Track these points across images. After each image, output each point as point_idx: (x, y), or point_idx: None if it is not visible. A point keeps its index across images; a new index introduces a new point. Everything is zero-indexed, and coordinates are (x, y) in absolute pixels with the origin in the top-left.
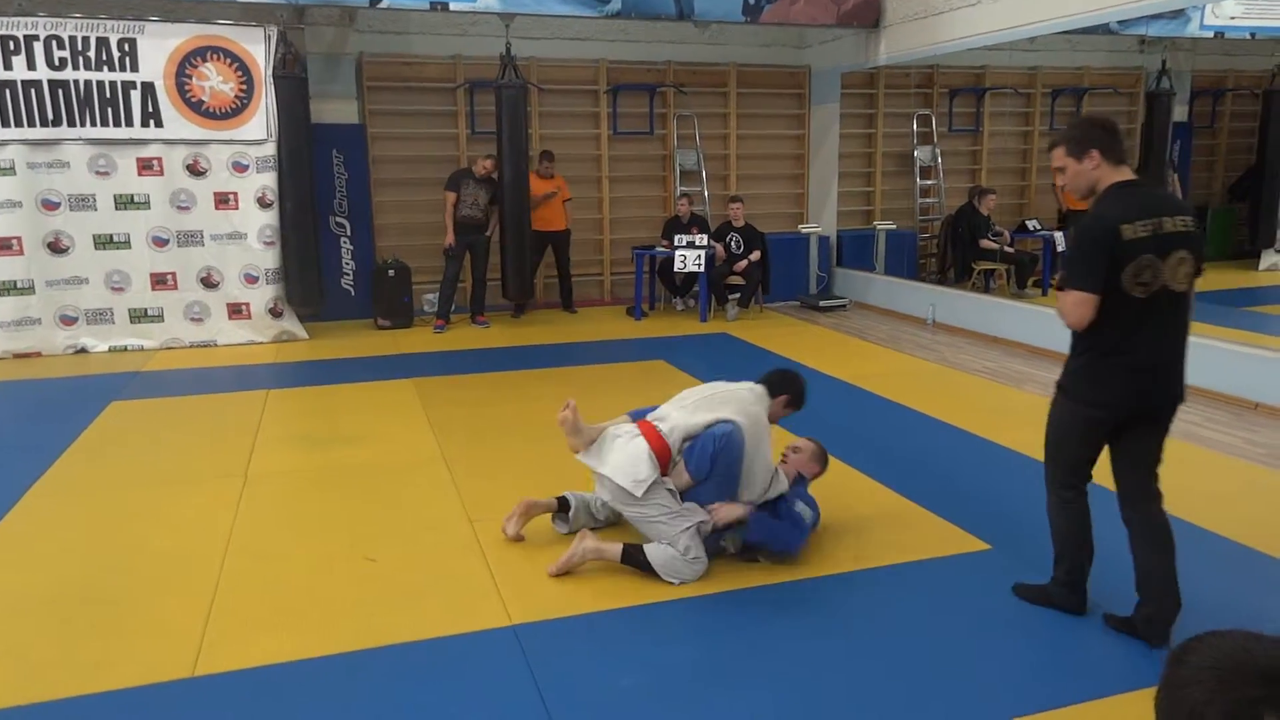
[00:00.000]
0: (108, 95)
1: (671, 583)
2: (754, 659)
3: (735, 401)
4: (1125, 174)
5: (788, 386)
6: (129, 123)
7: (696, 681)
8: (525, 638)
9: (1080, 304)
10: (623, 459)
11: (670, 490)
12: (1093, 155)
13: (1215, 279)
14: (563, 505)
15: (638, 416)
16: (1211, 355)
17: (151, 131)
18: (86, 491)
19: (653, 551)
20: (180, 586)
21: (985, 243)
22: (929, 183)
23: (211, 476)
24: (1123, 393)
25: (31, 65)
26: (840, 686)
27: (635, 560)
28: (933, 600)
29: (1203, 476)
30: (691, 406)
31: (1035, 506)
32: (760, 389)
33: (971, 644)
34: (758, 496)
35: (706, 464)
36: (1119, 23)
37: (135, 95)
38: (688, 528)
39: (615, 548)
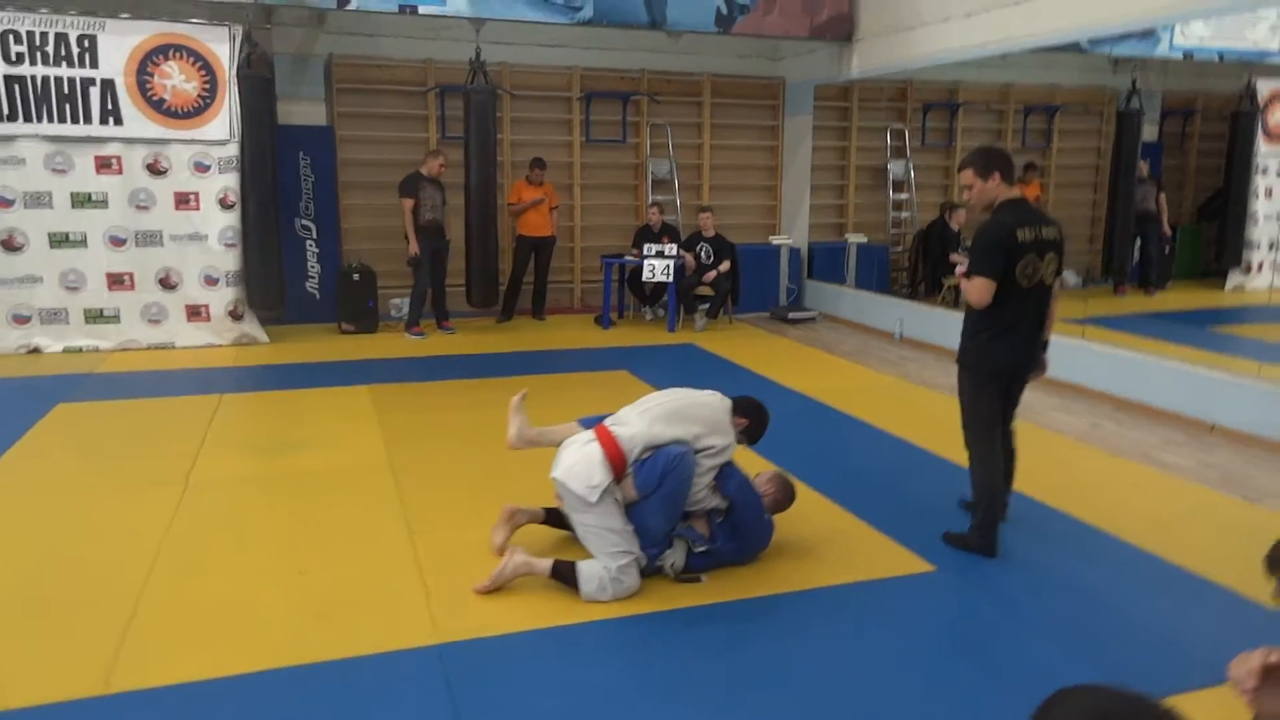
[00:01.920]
0: (65, 91)
1: (594, 600)
2: (677, 681)
3: (704, 413)
4: (1015, 193)
5: (752, 413)
6: (87, 120)
7: (616, 704)
8: (449, 657)
9: (984, 288)
10: (577, 463)
11: (617, 501)
12: (995, 176)
13: (1182, 299)
14: (549, 518)
15: (589, 424)
16: (1170, 376)
17: (110, 129)
18: (18, 496)
19: (583, 568)
20: (102, 597)
21: (955, 257)
22: (902, 196)
23: (150, 483)
24: (1014, 360)
25: None
26: (764, 710)
27: (564, 576)
28: (870, 623)
29: (1152, 499)
30: (655, 414)
31: None
32: (726, 402)
33: (905, 668)
34: (699, 498)
35: (654, 482)
36: (1090, 42)
37: (95, 92)
38: (625, 560)
39: (545, 563)
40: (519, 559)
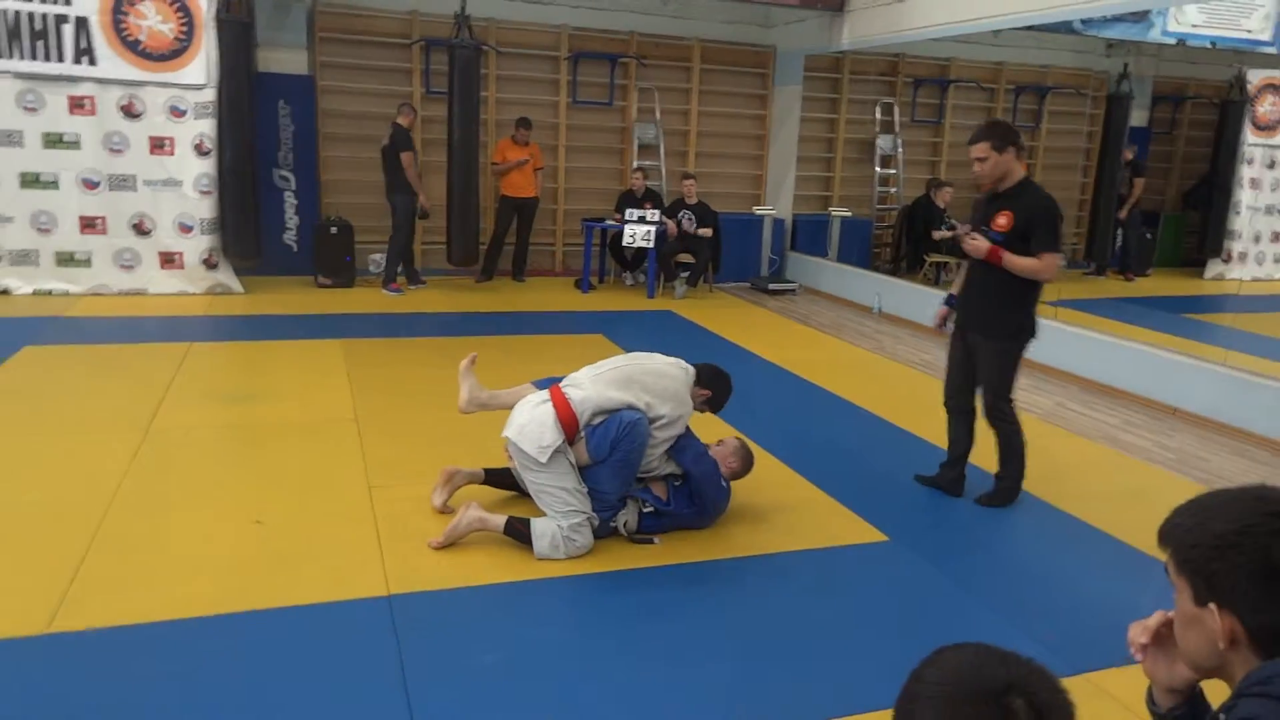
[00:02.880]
0: (38, 28)
1: (547, 557)
2: (623, 641)
3: (661, 383)
4: (1024, 169)
5: (714, 383)
6: (60, 58)
7: (560, 660)
8: (399, 609)
9: (1057, 263)
10: (529, 423)
11: (571, 463)
12: (1010, 150)
13: (1159, 285)
14: (490, 478)
15: (543, 386)
16: (1134, 358)
17: (84, 69)
18: None
19: (537, 525)
20: (54, 538)
21: (938, 233)
22: (889, 172)
23: (112, 428)
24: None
25: None
26: (704, 672)
27: (517, 533)
28: (817, 589)
29: (1106, 477)
30: (609, 379)
31: (939, 498)
32: (690, 371)
33: (845, 634)
34: (653, 465)
35: (605, 449)
36: (1083, 23)
37: (68, 29)
38: (577, 518)
39: (499, 519)
40: (473, 513)
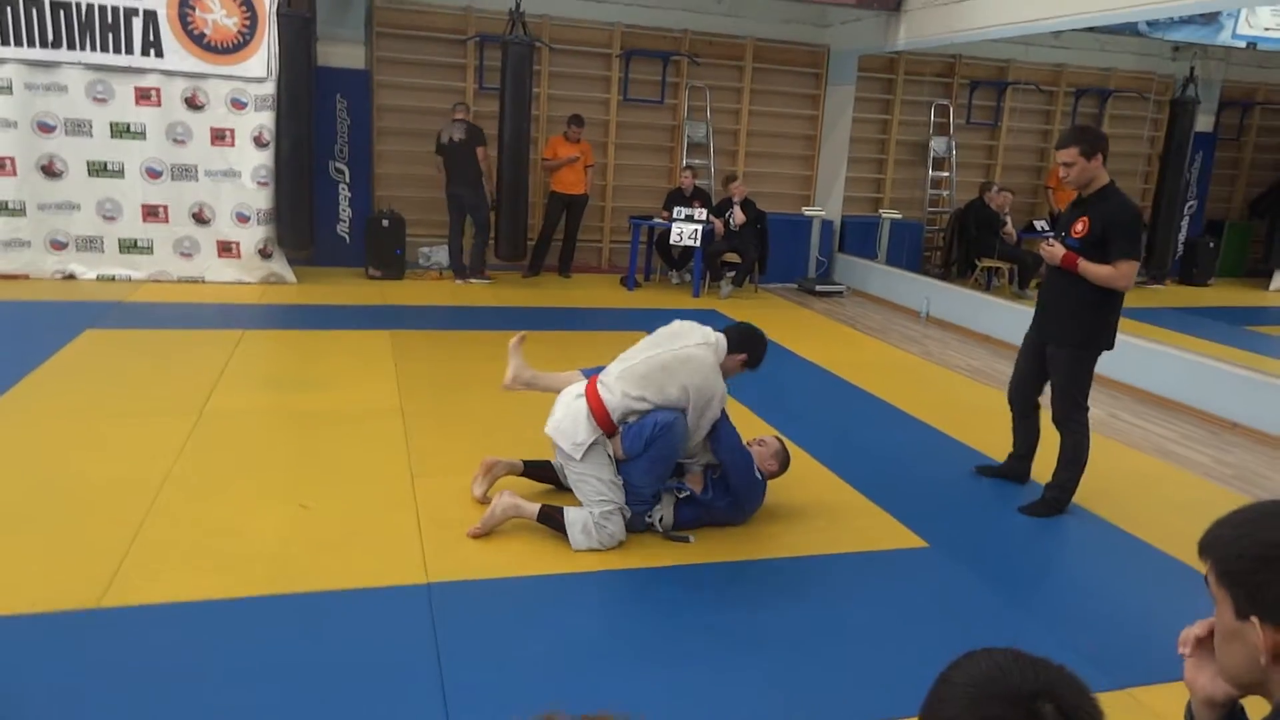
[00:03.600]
0: (109, 20)
1: (579, 547)
2: (657, 635)
3: (685, 370)
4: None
5: (746, 344)
6: (129, 50)
7: (596, 653)
8: (437, 596)
9: (1134, 271)
10: (564, 419)
11: (609, 455)
12: (1098, 158)
13: (1222, 295)
14: (529, 470)
15: (590, 374)
16: (1193, 370)
17: (151, 61)
18: (40, 416)
19: (570, 513)
20: (107, 517)
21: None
22: (941, 174)
23: (166, 411)
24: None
25: None
26: (739, 671)
27: (551, 520)
28: (854, 593)
29: (1157, 491)
30: (637, 374)
31: (982, 506)
32: (720, 342)
33: (880, 639)
34: (692, 452)
35: (640, 446)
36: (1148, 25)
37: (137, 22)
38: (608, 506)
39: (533, 507)
40: (508, 500)
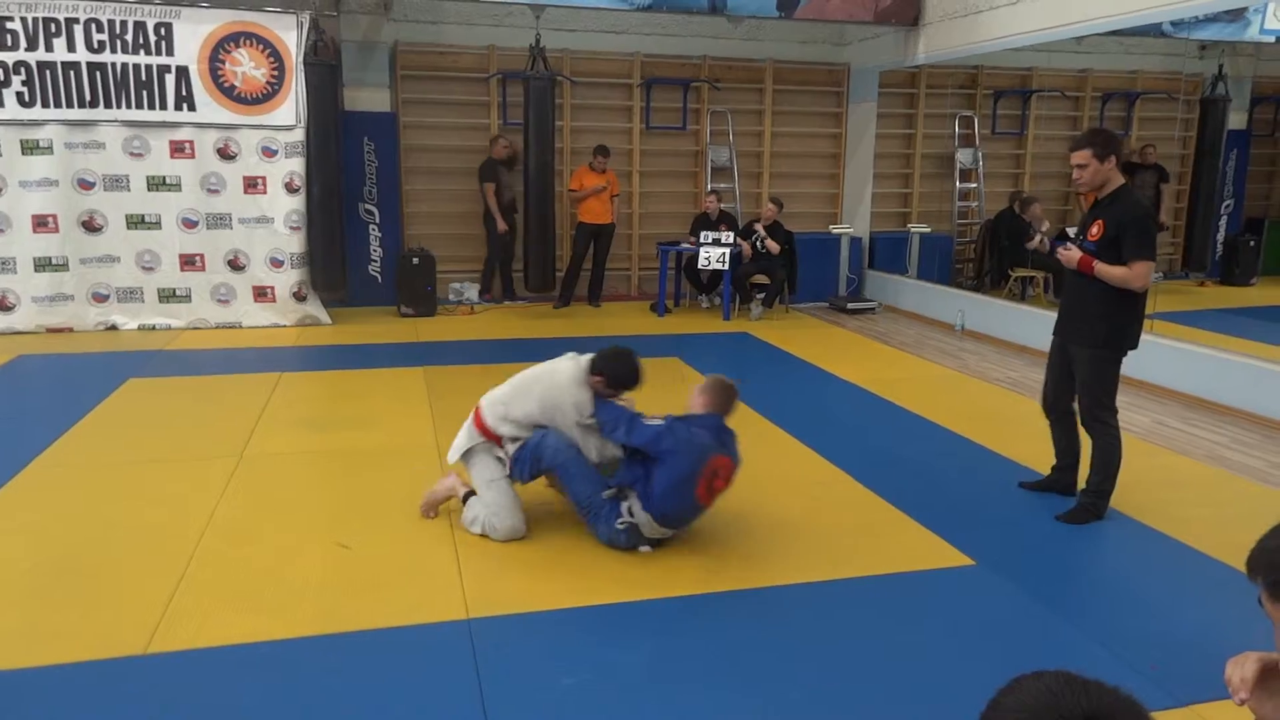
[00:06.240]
0: (143, 78)
1: (473, 531)
2: (700, 665)
3: (538, 389)
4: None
5: (605, 366)
6: (163, 105)
7: (639, 685)
8: (478, 632)
9: (1150, 271)
10: (459, 434)
11: (495, 458)
12: (1112, 160)
13: (1266, 294)
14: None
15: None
16: (1242, 372)
17: (184, 115)
18: (85, 465)
19: (471, 504)
20: (152, 563)
21: (1032, 244)
22: (969, 186)
23: (207, 456)
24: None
25: (71, 47)
26: (784, 699)
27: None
28: (900, 615)
29: (1210, 498)
30: (501, 397)
31: (1027, 522)
32: (576, 366)
33: (928, 661)
34: (597, 456)
35: (526, 474)
36: (1172, 24)
37: (170, 79)
38: (490, 507)
39: (464, 490)
40: (449, 481)
